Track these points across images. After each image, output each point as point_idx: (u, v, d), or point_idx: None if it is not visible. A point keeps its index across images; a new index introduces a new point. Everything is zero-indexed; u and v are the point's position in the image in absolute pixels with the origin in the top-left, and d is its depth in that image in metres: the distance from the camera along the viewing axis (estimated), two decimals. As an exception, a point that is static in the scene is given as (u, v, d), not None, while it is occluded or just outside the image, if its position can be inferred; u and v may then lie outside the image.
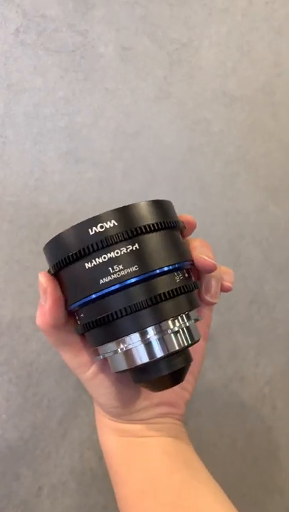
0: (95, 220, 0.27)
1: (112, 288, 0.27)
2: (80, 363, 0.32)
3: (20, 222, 0.49)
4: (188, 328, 0.29)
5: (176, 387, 0.34)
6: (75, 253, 0.28)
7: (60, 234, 0.29)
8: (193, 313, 0.30)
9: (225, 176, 0.55)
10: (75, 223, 0.28)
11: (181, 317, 0.28)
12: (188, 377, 0.36)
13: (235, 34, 0.53)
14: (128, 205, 0.28)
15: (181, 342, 0.28)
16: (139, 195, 0.52)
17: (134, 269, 0.27)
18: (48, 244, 0.30)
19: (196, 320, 0.30)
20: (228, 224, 0.56)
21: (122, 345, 0.28)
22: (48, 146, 0.49)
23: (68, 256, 0.28)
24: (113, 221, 0.27)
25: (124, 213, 0.28)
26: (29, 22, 0.47)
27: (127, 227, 0.27)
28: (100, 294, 0.27)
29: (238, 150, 0.55)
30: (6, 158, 0.48)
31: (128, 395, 0.34)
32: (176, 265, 0.28)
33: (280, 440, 0.64)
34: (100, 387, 0.33)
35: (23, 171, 0.48)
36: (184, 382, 0.32)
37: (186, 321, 0.29)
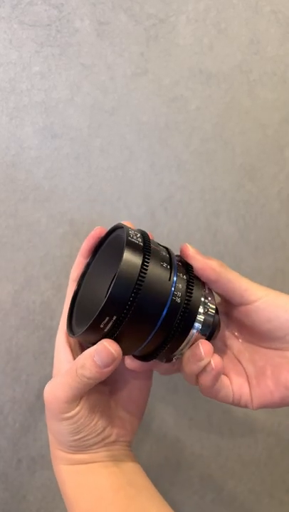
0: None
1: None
2: (71, 405, 0.37)
3: (-4, 197, 0.49)
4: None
5: (126, 418, 0.42)
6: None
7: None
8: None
9: (202, 153, 0.56)
10: None
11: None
12: (136, 411, 0.43)
13: (212, 11, 0.53)
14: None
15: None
16: (117, 172, 0.53)
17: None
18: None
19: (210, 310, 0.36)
20: (205, 200, 0.57)
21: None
22: (24, 121, 0.49)
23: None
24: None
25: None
26: (3, -6, 0.46)
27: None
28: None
29: (214, 128, 0.56)
30: (-19, 133, 0.47)
31: (88, 431, 0.38)
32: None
33: (255, 414, 0.66)
34: (75, 426, 0.37)
35: (-1, 147, 0.48)
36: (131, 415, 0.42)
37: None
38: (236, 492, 0.68)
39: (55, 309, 0.52)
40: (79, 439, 0.38)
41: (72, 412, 0.37)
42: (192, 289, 0.34)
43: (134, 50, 0.51)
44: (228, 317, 0.41)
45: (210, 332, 0.35)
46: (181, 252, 0.38)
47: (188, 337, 0.34)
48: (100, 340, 0.33)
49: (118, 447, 0.41)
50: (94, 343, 0.33)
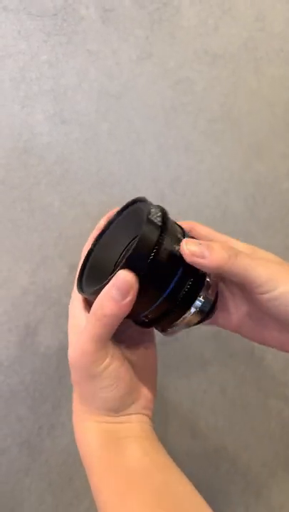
0: None
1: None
2: (101, 354, 0.35)
3: (11, 183, 0.52)
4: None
5: (143, 386, 0.40)
6: None
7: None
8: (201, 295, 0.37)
9: (209, 134, 0.57)
10: None
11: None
12: (150, 377, 0.41)
13: (216, -9, 0.54)
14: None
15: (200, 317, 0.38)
16: (125, 155, 0.55)
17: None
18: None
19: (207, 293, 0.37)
20: (213, 181, 0.58)
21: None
22: (35, 109, 0.51)
23: None
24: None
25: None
26: (12, -13, 0.48)
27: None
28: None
29: (221, 108, 0.57)
30: (-5, 121, 0.50)
31: (122, 386, 0.36)
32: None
33: (268, 388, 0.68)
34: (109, 379, 0.36)
35: (12, 134, 0.51)
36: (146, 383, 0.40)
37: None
38: (250, 465, 0.70)
39: (69, 287, 0.55)
40: (114, 398, 0.36)
41: (105, 363, 0.35)
42: (198, 270, 0.36)
43: (139, 34, 0.53)
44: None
45: (207, 312, 0.37)
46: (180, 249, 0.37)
47: (187, 314, 0.37)
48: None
49: (145, 420, 0.39)
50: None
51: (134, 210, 0.40)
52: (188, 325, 0.38)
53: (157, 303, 0.35)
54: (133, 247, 0.32)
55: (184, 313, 0.37)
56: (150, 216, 0.34)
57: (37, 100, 0.51)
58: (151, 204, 0.37)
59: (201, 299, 0.37)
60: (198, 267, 0.34)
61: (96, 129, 0.53)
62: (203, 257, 0.33)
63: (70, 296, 0.57)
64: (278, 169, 0.60)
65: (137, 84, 0.53)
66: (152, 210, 0.35)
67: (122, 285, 0.32)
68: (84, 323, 0.37)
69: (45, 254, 0.55)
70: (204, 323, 0.39)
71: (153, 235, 0.33)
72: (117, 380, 0.36)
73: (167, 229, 0.34)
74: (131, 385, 0.37)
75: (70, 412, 0.59)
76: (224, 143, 0.58)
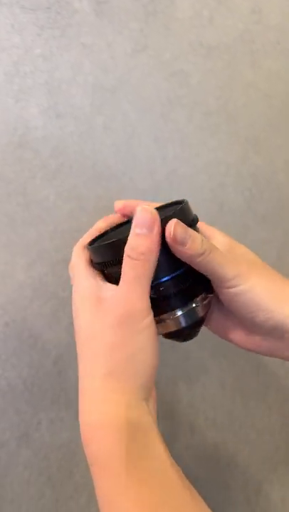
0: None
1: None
2: (147, 303, 0.34)
3: (6, 177, 0.52)
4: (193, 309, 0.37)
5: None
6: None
7: (101, 245, 0.36)
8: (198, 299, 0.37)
9: (205, 127, 0.56)
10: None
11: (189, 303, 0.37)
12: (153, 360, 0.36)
13: (211, -17, 0.53)
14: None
15: (186, 321, 0.37)
16: (121, 148, 0.55)
17: None
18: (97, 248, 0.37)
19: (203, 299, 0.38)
20: (209, 174, 0.58)
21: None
22: (29, 102, 0.51)
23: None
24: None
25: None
26: (5, -19, 0.49)
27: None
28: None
29: (217, 101, 0.56)
30: (-11, 115, 0.50)
31: (158, 357, 0.35)
32: (176, 273, 0.36)
33: (269, 382, 0.68)
34: (153, 336, 0.34)
35: (6, 129, 0.51)
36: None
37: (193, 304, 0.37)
38: (251, 460, 0.70)
39: (66, 281, 0.55)
40: (152, 364, 0.34)
41: (151, 315, 0.34)
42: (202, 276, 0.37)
43: (133, 27, 0.52)
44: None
45: (190, 324, 0.37)
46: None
47: (186, 307, 0.37)
48: (118, 256, 0.34)
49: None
50: (112, 261, 0.35)
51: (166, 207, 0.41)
52: (164, 329, 0.37)
53: (172, 275, 0.35)
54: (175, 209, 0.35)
55: (184, 305, 0.37)
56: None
57: (31, 94, 0.51)
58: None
59: (198, 300, 0.37)
60: (172, 251, 0.34)
61: (91, 122, 0.53)
62: (183, 245, 0.33)
63: (67, 290, 0.57)
64: (275, 162, 0.60)
65: (132, 77, 0.53)
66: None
67: (146, 218, 0.32)
68: (102, 293, 0.35)
69: (41, 248, 0.55)
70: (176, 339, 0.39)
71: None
72: (156, 339, 0.34)
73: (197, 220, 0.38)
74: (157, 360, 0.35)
75: (69, 407, 0.59)
76: (220, 136, 0.57)
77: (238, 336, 0.39)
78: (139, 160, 0.55)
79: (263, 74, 0.57)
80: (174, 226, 0.33)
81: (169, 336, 0.39)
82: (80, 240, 0.40)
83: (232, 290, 0.35)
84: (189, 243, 0.33)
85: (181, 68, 0.54)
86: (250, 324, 0.37)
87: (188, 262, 0.34)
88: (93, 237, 0.41)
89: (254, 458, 0.70)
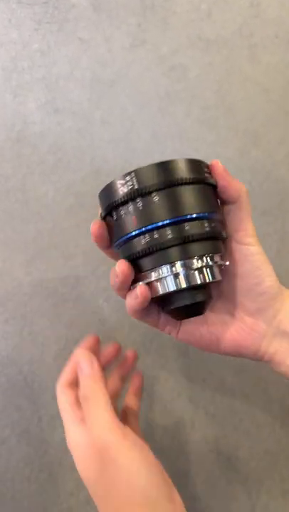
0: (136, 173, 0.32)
1: (149, 227, 0.31)
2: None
3: (5, 173, 0.52)
4: (210, 267, 0.33)
5: None
6: (119, 200, 0.32)
7: (109, 184, 0.34)
8: (217, 257, 0.34)
9: (203, 121, 0.56)
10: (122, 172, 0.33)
11: (206, 257, 0.33)
12: None
13: (208, -24, 0.53)
14: (167, 161, 0.32)
15: (203, 278, 0.33)
16: (119, 143, 0.54)
17: (168, 212, 0.32)
18: (100, 192, 0.35)
19: (219, 265, 0.34)
20: (208, 169, 0.57)
21: (154, 275, 0.33)
22: (27, 98, 0.51)
23: (115, 201, 0.33)
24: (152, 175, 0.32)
25: (164, 167, 0.32)
26: (1, -25, 0.48)
27: (166, 179, 0.32)
28: (138, 232, 0.32)
29: (216, 95, 0.56)
30: (-13, 111, 0.50)
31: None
32: (206, 214, 0.33)
33: (270, 376, 0.68)
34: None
35: (4, 124, 0.51)
36: None
37: (209, 261, 0.33)
38: (252, 453, 0.70)
39: (65, 277, 0.55)
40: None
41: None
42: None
43: (131, 21, 0.52)
44: None
45: (188, 286, 0.33)
46: (210, 167, 0.36)
47: (158, 271, 0.33)
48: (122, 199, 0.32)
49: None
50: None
51: None
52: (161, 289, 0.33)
53: (172, 220, 0.32)
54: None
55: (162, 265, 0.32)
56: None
57: (29, 89, 0.51)
58: None
59: (208, 259, 0.33)
60: (222, 182, 0.34)
61: (89, 117, 0.53)
62: (232, 178, 0.35)
63: (66, 287, 0.57)
64: (275, 156, 0.60)
65: (130, 72, 0.53)
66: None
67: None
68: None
69: (40, 245, 0.55)
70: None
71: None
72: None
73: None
74: None
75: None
76: (219, 130, 0.57)
77: (234, 333, 0.40)
78: (138, 155, 0.55)
79: (262, 68, 0.57)
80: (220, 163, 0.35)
81: (167, 301, 0.35)
82: (61, 377, 0.42)
83: (250, 248, 0.36)
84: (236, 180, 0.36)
85: (180, 62, 0.54)
86: (253, 294, 0.37)
87: (230, 198, 0.35)
88: (73, 372, 0.41)
89: (255, 451, 0.70)
